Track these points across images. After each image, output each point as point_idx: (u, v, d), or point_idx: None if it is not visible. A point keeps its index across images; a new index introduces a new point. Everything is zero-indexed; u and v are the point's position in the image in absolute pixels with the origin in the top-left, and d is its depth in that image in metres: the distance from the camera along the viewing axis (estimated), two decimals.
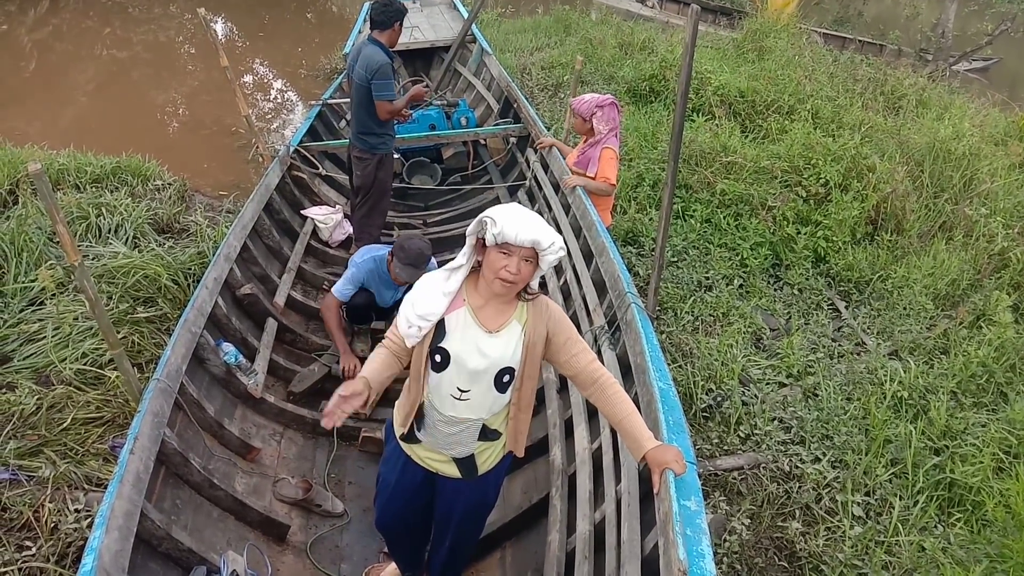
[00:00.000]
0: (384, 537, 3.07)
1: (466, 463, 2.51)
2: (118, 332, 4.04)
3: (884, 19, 15.78)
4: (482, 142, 7.06)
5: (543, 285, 4.81)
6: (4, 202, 5.64)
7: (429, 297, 2.28)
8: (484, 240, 2.18)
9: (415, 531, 2.89)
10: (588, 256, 4.39)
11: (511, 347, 2.29)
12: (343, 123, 7.19)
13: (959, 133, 7.29)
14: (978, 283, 5.66)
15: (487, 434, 2.44)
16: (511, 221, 2.12)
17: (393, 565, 3.16)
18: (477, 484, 2.58)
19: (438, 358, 2.30)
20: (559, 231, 4.97)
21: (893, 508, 3.70)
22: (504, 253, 2.15)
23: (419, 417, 2.44)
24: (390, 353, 2.42)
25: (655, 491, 2.31)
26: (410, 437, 2.51)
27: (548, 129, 6.26)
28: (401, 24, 4.89)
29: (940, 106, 8.92)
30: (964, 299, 5.48)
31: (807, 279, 5.72)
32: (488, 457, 2.53)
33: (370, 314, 4.59)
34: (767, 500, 3.81)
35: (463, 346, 2.27)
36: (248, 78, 11.31)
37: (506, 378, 2.33)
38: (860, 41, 13.46)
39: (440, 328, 2.28)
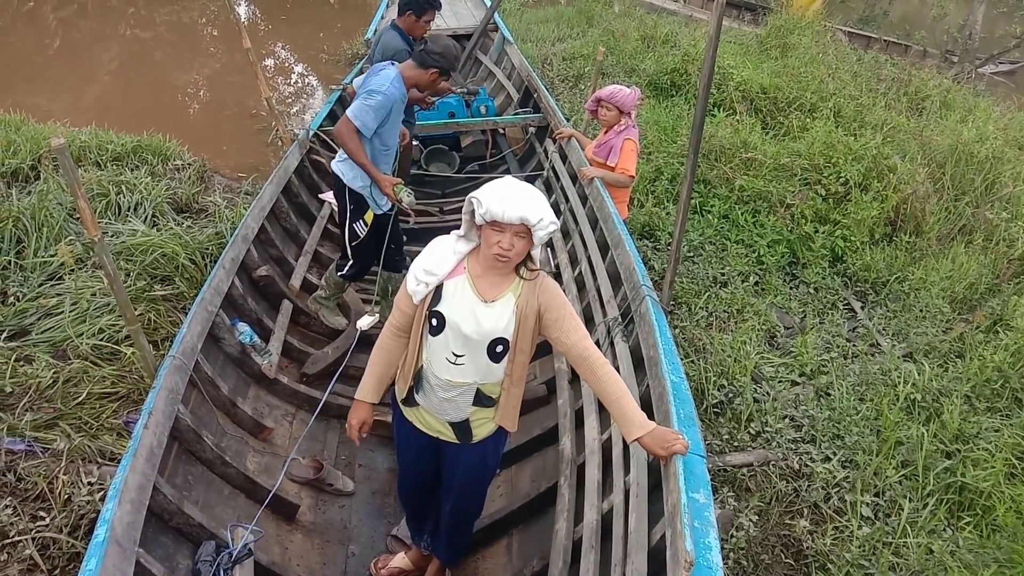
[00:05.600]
0: (403, 506, 3.16)
1: (461, 427, 2.58)
2: (135, 309, 4.06)
3: (910, 19, 15.59)
4: (501, 131, 7.04)
5: (557, 276, 4.81)
6: (26, 177, 5.69)
7: (438, 255, 2.37)
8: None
9: (424, 498, 2.96)
10: (604, 248, 4.38)
11: (505, 318, 2.35)
12: None
13: (982, 136, 7.21)
14: (996, 288, 5.61)
15: (482, 400, 2.51)
16: (497, 200, 2.16)
17: (401, 554, 3.20)
18: (476, 447, 2.65)
19: (435, 322, 2.38)
20: (575, 222, 4.96)
21: (902, 510, 3.68)
22: (496, 229, 2.21)
23: (417, 381, 2.52)
24: (395, 333, 2.53)
25: (662, 464, 2.39)
26: (409, 401, 2.60)
27: (568, 120, 6.24)
28: (421, 17, 4.76)
29: (964, 108, 8.82)
30: (982, 303, 5.44)
31: (823, 278, 5.68)
32: (482, 425, 2.59)
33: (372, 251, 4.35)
34: (775, 497, 3.80)
35: (458, 312, 2.35)
36: (269, 61, 11.34)
37: (499, 348, 2.39)
38: (885, 41, 13.30)
39: (438, 292, 2.37)
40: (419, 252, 2.44)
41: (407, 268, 2.46)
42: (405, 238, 4.65)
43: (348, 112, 3.79)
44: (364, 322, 4.29)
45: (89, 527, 3.14)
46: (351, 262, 4.35)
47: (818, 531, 3.66)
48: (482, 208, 2.17)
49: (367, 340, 4.46)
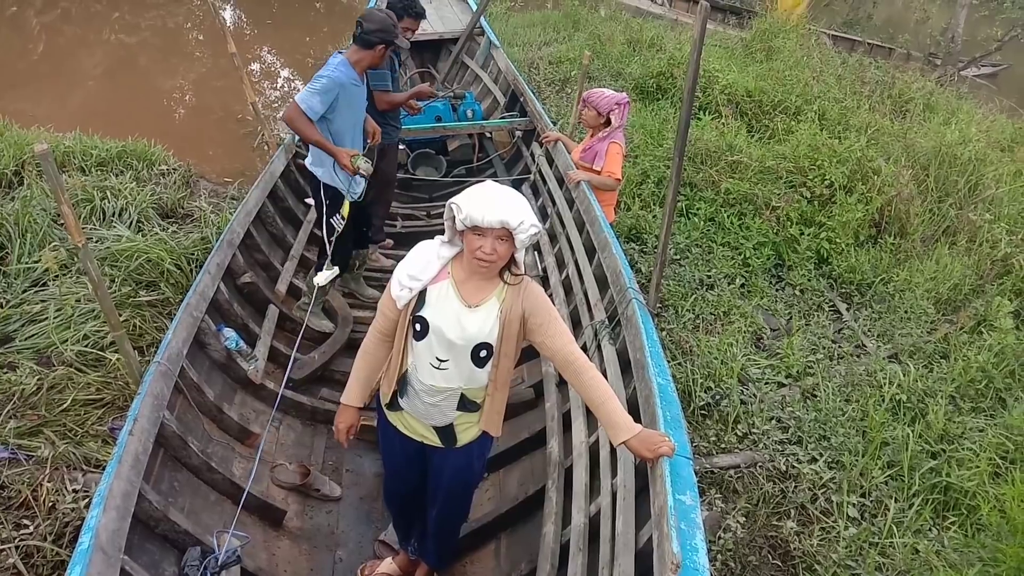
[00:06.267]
0: (389, 510, 3.17)
1: (446, 432, 2.59)
2: (120, 315, 4.04)
3: (894, 22, 15.68)
4: (488, 135, 7.05)
5: (544, 280, 4.81)
6: (9, 183, 5.65)
7: (422, 260, 2.38)
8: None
9: (410, 503, 2.97)
10: (591, 251, 4.39)
11: (488, 323, 2.35)
12: None
13: (965, 138, 7.27)
14: (980, 288, 5.64)
15: (466, 404, 2.51)
16: (476, 204, 2.16)
17: (389, 559, 3.20)
18: (461, 452, 2.66)
19: (418, 327, 2.38)
20: (562, 226, 4.96)
21: (888, 510, 3.71)
22: (478, 234, 2.21)
23: (402, 386, 2.52)
24: (379, 338, 2.54)
25: (649, 466, 2.38)
26: (393, 405, 2.60)
27: (554, 124, 6.25)
28: (400, 21, 4.74)
29: (947, 111, 8.90)
30: (965, 304, 5.47)
31: (809, 280, 5.71)
32: (467, 430, 2.61)
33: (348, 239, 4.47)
34: (763, 499, 3.82)
35: (442, 317, 2.35)
36: (255, 66, 11.29)
37: (483, 353, 2.39)
38: (869, 44, 13.38)
39: (422, 297, 2.37)
40: (404, 256, 2.44)
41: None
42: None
43: (296, 97, 3.96)
44: (321, 277, 4.31)
45: (74, 535, 3.12)
46: (329, 259, 4.37)
47: (805, 532, 3.68)
48: (462, 214, 2.17)
49: (353, 345, 4.46)
